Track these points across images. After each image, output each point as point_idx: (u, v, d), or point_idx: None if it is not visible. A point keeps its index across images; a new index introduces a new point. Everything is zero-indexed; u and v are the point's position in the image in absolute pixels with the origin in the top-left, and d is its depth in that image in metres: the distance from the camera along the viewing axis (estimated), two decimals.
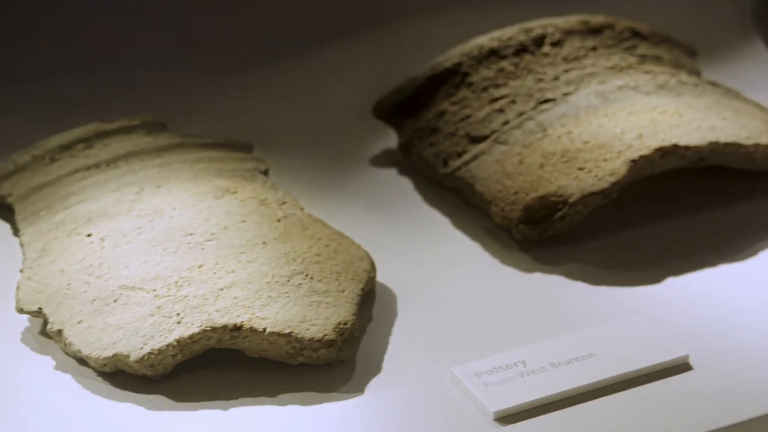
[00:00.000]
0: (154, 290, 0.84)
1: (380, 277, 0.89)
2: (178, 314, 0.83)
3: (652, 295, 0.89)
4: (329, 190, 0.97)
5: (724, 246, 0.92)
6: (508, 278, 0.91)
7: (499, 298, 0.89)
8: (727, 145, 0.93)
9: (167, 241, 0.87)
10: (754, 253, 0.92)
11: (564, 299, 0.89)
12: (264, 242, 0.88)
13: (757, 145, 0.94)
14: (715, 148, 0.93)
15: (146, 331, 0.82)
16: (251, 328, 0.82)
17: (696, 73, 1.03)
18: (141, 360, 0.81)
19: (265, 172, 0.94)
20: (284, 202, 0.91)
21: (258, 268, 0.86)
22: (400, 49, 1.10)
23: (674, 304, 0.88)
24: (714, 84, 1.00)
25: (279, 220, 0.89)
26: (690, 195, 0.96)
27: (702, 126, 0.94)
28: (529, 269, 0.91)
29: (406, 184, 0.98)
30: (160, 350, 0.81)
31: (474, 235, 0.94)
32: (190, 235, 0.88)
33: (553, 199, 0.92)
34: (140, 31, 1.13)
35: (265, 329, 0.83)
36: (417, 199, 0.97)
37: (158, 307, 0.83)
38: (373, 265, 0.88)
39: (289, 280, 0.85)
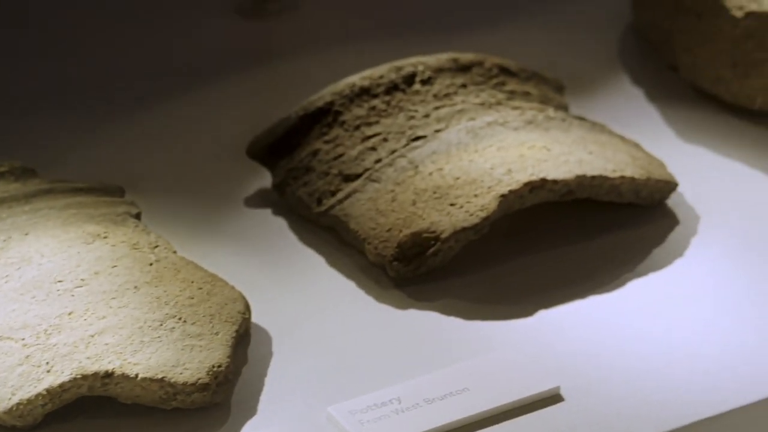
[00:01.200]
0: (23, 339, 0.79)
1: (255, 318, 0.85)
2: (47, 363, 0.77)
3: (524, 328, 0.86)
4: (203, 232, 0.93)
5: (593, 277, 0.89)
6: (383, 315, 0.87)
7: (374, 336, 0.85)
8: (593, 178, 0.90)
9: (36, 288, 0.82)
10: (622, 283, 0.89)
11: (438, 334, 0.86)
12: (136, 287, 0.83)
13: (622, 178, 0.91)
14: (582, 181, 0.90)
15: (14, 381, 0.77)
16: (123, 374, 0.78)
17: (564, 108, 1.00)
18: (9, 411, 0.76)
19: (137, 216, 0.89)
20: (156, 246, 0.86)
21: (130, 313, 0.81)
22: (276, 89, 1.06)
23: (546, 336, 0.85)
24: (581, 119, 0.98)
25: (151, 264, 0.85)
26: (559, 228, 0.93)
27: (569, 160, 0.91)
28: (403, 306, 0.88)
29: (280, 224, 0.94)
30: (29, 400, 0.76)
31: (349, 273, 0.90)
32: (60, 281, 0.82)
33: (425, 236, 0.89)
34: (5, 73, 1.08)
35: (137, 375, 0.78)
36: (292, 238, 0.93)
37: (27, 357, 0.78)
38: (247, 307, 0.84)
39: (161, 325, 0.81)
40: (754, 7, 1.00)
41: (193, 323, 0.82)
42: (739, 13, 1.00)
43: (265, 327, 0.86)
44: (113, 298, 0.82)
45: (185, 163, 0.99)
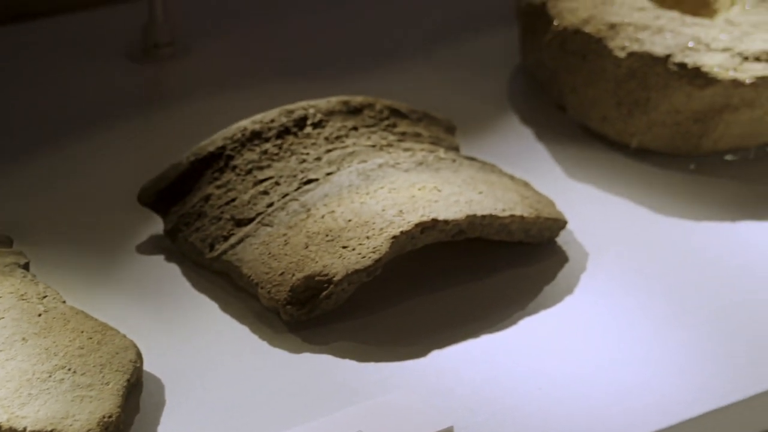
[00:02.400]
0: None
1: (147, 367, 0.80)
2: None
3: (417, 369, 0.82)
4: (94, 281, 0.88)
5: (485, 316, 0.86)
6: (277, 360, 0.83)
7: (268, 381, 0.81)
8: (483, 217, 0.87)
9: None
10: (514, 321, 0.86)
11: (333, 377, 0.82)
12: (24, 338, 0.78)
13: (512, 217, 0.88)
14: (472, 221, 0.87)
15: None
16: (11, 428, 0.73)
17: (455, 148, 0.97)
18: None
19: (26, 266, 0.84)
20: (45, 296, 0.81)
21: (17, 365, 0.76)
22: (168, 134, 1.01)
23: (439, 376, 0.81)
24: (472, 158, 0.95)
25: (39, 315, 0.80)
26: (451, 268, 0.90)
27: (460, 200, 0.88)
28: (297, 350, 0.84)
29: (173, 270, 0.89)
30: None
31: (242, 319, 0.86)
32: None
33: (318, 279, 0.85)
34: None
35: (25, 428, 0.73)
36: (185, 284, 0.88)
37: None
38: (139, 355, 0.80)
39: (50, 376, 0.76)
40: (635, 47, 0.98)
41: (82, 374, 0.77)
42: (621, 54, 0.98)
43: (158, 375, 0.81)
44: (0, 351, 0.77)
45: (76, 211, 0.94)
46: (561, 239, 0.92)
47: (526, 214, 0.90)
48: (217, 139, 0.91)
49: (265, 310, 0.86)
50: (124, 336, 0.80)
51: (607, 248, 0.92)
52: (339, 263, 0.85)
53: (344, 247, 0.86)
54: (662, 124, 0.98)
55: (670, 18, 1.01)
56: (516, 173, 0.96)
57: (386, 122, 0.95)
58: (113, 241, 0.91)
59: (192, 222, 0.89)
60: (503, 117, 1.05)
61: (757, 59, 0.98)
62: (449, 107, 1.04)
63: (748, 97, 0.97)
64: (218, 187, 0.90)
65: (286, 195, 0.89)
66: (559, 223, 0.92)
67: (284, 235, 0.87)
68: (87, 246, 0.91)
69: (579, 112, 1.02)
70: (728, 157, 0.99)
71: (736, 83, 0.96)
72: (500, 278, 0.90)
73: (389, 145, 0.93)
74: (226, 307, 0.87)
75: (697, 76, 0.97)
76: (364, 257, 0.85)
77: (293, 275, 0.85)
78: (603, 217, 0.95)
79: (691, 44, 0.98)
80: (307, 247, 0.86)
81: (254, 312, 0.86)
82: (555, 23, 1.02)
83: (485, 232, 0.89)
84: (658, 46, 0.98)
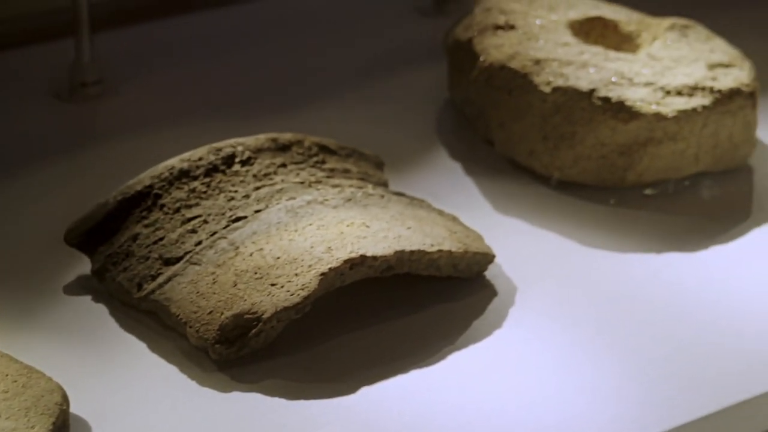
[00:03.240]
0: None
1: (75, 409, 0.77)
2: None
3: (347, 406, 0.80)
4: (20, 323, 0.84)
5: (415, 351, 0.84)
6: (206, 399, 0.80)
7: (197, 421, 0.78)
8: (412, 253, 0.85)
9: None
10: (443, 356, 0.84)
11: (263, 416, 0.79)
12: None
13: (440, 252, 0.86)
14: (401, 256, 0.85)
15: None
16: None
17: (384, 184, 0.95)
18: None
19: None
20: None
21: None
22: (95, 173, 0.98)
23: (369, 413, 0.79)
24: (400, 194, 0.93)
25: None
26: (380, 303, 0.88)
27: (388, 236, 0.86)
28: (227, 389, 0.81)
29: (101, 311, 0.86)
30: None
31: (171, 358, 0.83)
32: None
33: (247, 317, 0.82)
34: None
35: None
36: (113, 325, 0.85)
37: None
38: (65, 398, 0.76)
39: None
40: (560, 82, 0.97)
41: (7, 418, 0.74)
42: (546, 89, 0.97)
43: (85, 417, 0.78)
44: None
45: (1, 252, 0.91)
46: (489, 273, 0.90)
47: (454, 249, 0.88)
48: (144, 178, 0.89)
49: (194, 350, 0.83)
50: (50, 378, 0.77)
51: (535, 281, 0.90)
52: (268, 301, 0.83)
53: (273, 285, 0.83)
54: (588, 158, 0.97)
55: (594, 53, 1.00)
56: (445, 208, 0.94)
57: (315, 159, 0.93)
58: (40, 282, 0.87)
59: (120, 262, 0.87)
60: (432, 152, 1.04)
61: (679, 93, 0.97)
62: (378, 143, 1.02)
63: (670, 131, 0.96)
64: (146, 226, 0.87)
65: (215, 233, 0.87)
66: (488, 258, 0.90)
67: (213, 273, 0.85)
68: (13, 287, 0.87)
69: (506, 147, 1.00)
70: (648, 191, 0.99)
71: (659, 117, 0.96)
72: (429, 313, 0.88)
73: (318, 181, 0.91)
74: (154, 347, 0.84)
75: (621, 110, 0.96)
76: (292, 294, 0.83)
77: (222, 314, 0.82)
78: (531, 251, 0.93)
79: (614, 79, 0.97)
80: (235, 285, 0.84)
81: (183, 351, 0.83)
82: (481, 59, 1.01)
83: (414, 267, 0.87)
84: (582, 80, 0.97)
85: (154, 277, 0.86)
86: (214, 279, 0.84)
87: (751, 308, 0.87)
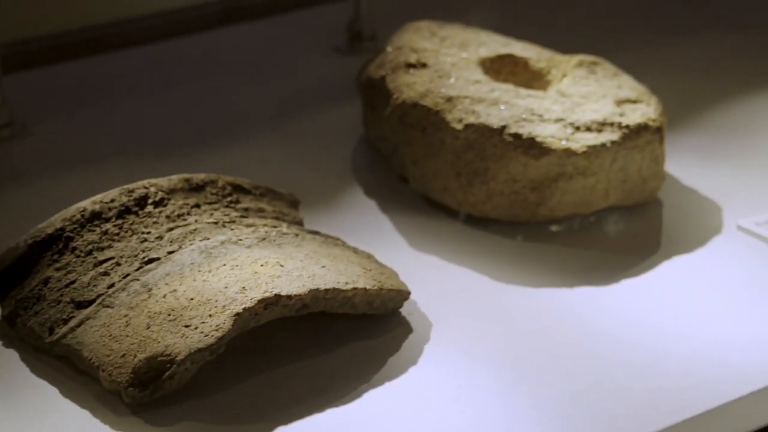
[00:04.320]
0: None
1: None
2: None
3: None
4: None
5: (330, 390, 0.81)
6: None
7: None
8: (326, 291, 0.83)
9: None
10: (359, 394, 0.81)
11: None
12: None
13: (355, 290, 0.84)
14: (315, 295, 0.83)
15: None
16: None
17: (299, 222, 0.93)
18: None
19: None
20: None
21: None
22: (6, 217, 0.95)
23: None
24: (315, 233, 0.91)
25: None
26: (296, 343, 0.85)
27: (302, 275, 0.84)
28: None
29: (12, 356, 0.83)
30: None
31: (84, 403, 0.80)
32: None
33: (160, 359, 0.79)
34: None
35: None
36: (24, 370, 0.82)
37: None
38: None
39: None
40: (472, 119, 0.96)
41: None
42: (458, 126, 0.96)
43: None
44: None
45: None
46: (405, 310, 0.88)
47: (369, 287, 0.86)
48: (55, 221, 0.86)
49: (107, 393, 0.80)
50: None
51: (450, 317, 0.88)
52: (181, 343, 0.80)
53: (187, 326, 0.81)
54: (501, 194, 0.96)
55: (505, 90, 0.99)
56: (360, 246, 0.92)
57: (229, 199, 0.91)
58: None
59: (31, 306, 0.83)
60: (347, 190, 1.02)
61: (588, 129, 0.96)
62: (293, 182, 1.00)
63: (581, 166, 0.95)
64: (57, 269, 0.84)
65: (127, 275, 0.84)
66: (403, 294, 0.88)
67: (125, 316, 0.82)
68: None
69: (421, 184, 0.99)
70: (554, 228, 0.97)
71: (569, 152, 0.94)
72: (345, 351, 0.85)
73: (232, 221, 0.89)
74: (66, 392, 0.81)
75: (531, 147, 0.95)
76: (206, 335, 0.80)
77: (135, 356, 0.80)
78: (446, 287, 0.91)
79: (525, 115, 0.96)
80: (148, 327, 0.81)
81: (96, 395, 0.80)
82: (394, 97, 0.99)
83: (329, 305, 0.84)
84: (493, 117, 0.96)
85: (65, 321, 0.83)
86: (126, 322, 0.82)
87: (662, 343, 0.86)
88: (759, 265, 0.93)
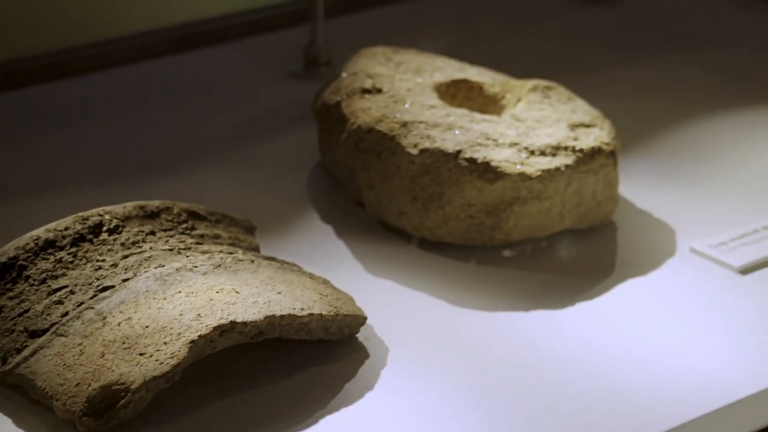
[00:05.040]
0: None
1: None
2: None
3: None
4: None
5: (287, 416, 0.80)
6: None
7: None
8: (282, 317, 0.82)
9: None
10: (315, 421, 0.80)
11: None
12: None
13: (311, 315, 0.83)
14: (271, 321, 0.82)
15: None
16: None
17: (255, 249, 0.92)
18: None
19: None
20: None
21: None
22: None
23: None
24: (271, 259, 0.90)
25: None
26: (252, 369, 0.84)
27: (258, 301, 0.83)
28: None
29: None
30: None
31: None
32: None
33: (115, 388, 0.78)
34: None
35: None
36: None
37: None
38: None
39: None
40: (427, 144, 0.95)
41: None
42: (414, 151, 0.95)
43: None
44: None
45: None
46: (361, 335, 0.87)
47: (325, 312, 0.85)
48: (8, 250, 0.84)
49: (61, 423, 0.79)
50: None
51: (406, 342, 0.87)
52: (136, 371, 0.79)
53: (141, 354, 0.80)
54: (457, 218, 0.95)
55: (460, 115, 0.98)
56: (316, 271, 0.91)
57: (184, 225, 0.90)
58: None
59: None
60: (303, 215, 1.01)
61: (542, 153, 0.96)
62: (250, 207, 0.99)
63: (535, 190, 0.94)
64: (11, 298, 0.83)
65: (82, 303, 0.82)
66: (359, 320, 0.87)
67: (80, 344, 0.80)
68: None
69: (377, 209, 0.98)
70: (506, 253, 0.97)
71: (523, 176, 0.94)
72: (301, 377, 0.84)
73: (187, 248, 0.88)
74: (20, 422, 0.79)
75: (486, 171, 0.94)
76: (161, 363, 0.79)
77: (89, 385, 0.78)
78: (402, 311, 0.90)
79: (480, 140, 0.96)
80: (103, 355, 0.80)
81: (50, 425, 0.79)
82: (350, 122, 0.99)
83: (285, 332, 0.83)
84: (448, 142, 0.95)
85: (19, 350, 0.81)
86: (81, 350, 0.80)
87: (616, 365, 0.86)
88: (712, 287, 0.93)
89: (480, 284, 0.93)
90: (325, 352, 0.86)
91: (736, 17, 1.32)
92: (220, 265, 0.86)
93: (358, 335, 0.88)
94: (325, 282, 0.90)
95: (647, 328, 0.89)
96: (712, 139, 1.11)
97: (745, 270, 0.95)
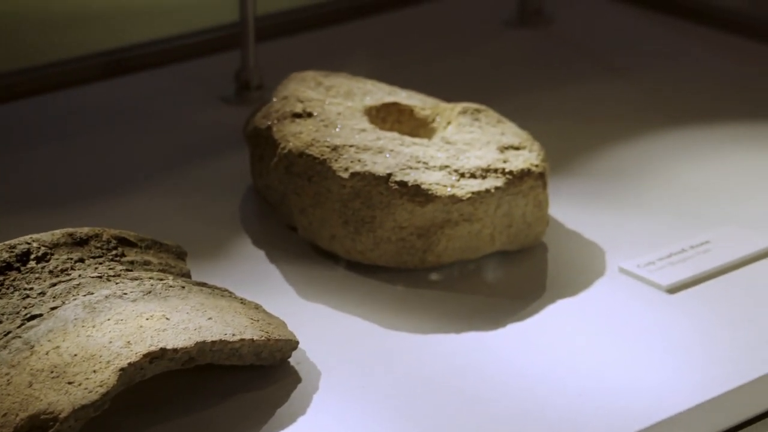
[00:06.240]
0: None
1: None
2: None
3: None
4: None
5: None
6: None
7: None
8: (213, 343, 0.81)
9: None
10: None
11: None
12: None
13: (242, 341, 0.82)
14: (202, 347, 0.81)
15: None
16: None
17: (186, 275, 0.91)
18: None
19: None
20: None
21: None
22: None
23: None
24: (202, 284, 0.88)
25: None
26: (183, 396, 0.83)
27: (189, 327, 0.82)
28: None
29: None
30: None
31: None
32: None
33: (43, 417, 0.76)
34: None
35: None
36: None
37: None
38: None
39: None
40: (358, 168, 0.94)
41: None
42: (345, 174, 0.94)
43: None
44: None
45: None
46: (293, 359, 0.86)
47: (256, 338, 0.84)
48: None
49: None
50: None
51: (339, 366, 0.87)
52: (65, 400, 0.77)
53: (70, 383, 0.78)
54: (388, 241, 0.95)
55: (390, 138, 0.98)
56: (248, 296, 0.90)
57: (114, 252, 0.88)
58: None
59: None
60: (235, 240, 1.00)
61: (473, 175, 0.95)
62: (180, 233, 0.97)
63: (466, 212, 0.94)
64: None
65: (9, 333, 0.81)
66: (291, 344, 0.86)
67: (7, 374, 0.79)
68: None
69: (309, 232, 0.97)
70: (433, 277, 0.97)
71: (454, 199, 0.94)
72: (233, 403, 0.83)
73: (117, 275, 0.86)
74: None
75: (417, 194, 0.94)
76: (90, 392, 0.78)
77: (17, 415, 0.76)
78: (334, 335, 0.90)
79: (410, 163, 0.95)
80: (31, 385, 0.78)
81: None
82: (281, 147, 0.98)
83: (216, 357, 0.82)
84: (379, 165, 0.95)
85: None
86: (8, 380, 0.79)
87: (547, 386, 0.85)
88: (640, 306, 0.93)
89: (411, 307, 0.93)
90: (257, 377, 0.85)
91: (663, 40, 1.33)
92: (150, 292, 0.85)
93: (290, 360, 0.87)
94: (257, 307, 0.89)
95: (577, 349, 0.89)
96: (640, 160, 1.11)
97: (673, 289, 0.95)
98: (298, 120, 1.00)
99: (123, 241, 0.90)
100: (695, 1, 1.37)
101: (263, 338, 0.85)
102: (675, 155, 1.12)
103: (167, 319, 0.83)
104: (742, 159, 1.12)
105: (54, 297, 0.83)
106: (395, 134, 0.99)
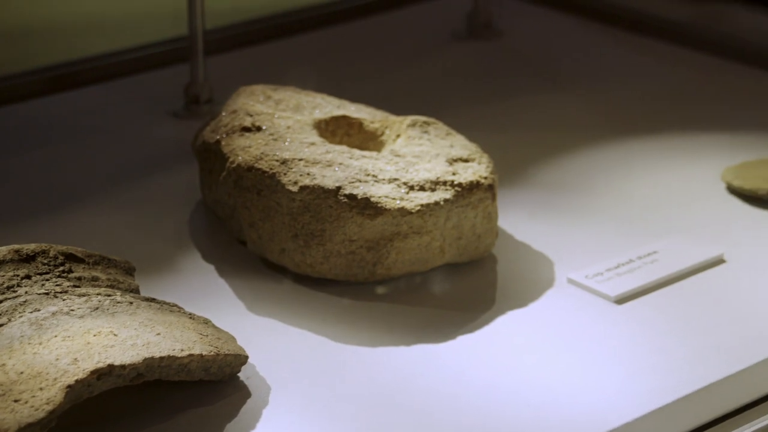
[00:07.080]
0: None
1: None
2: None
3: None
4: None
5: None
6: None
7: None
8: (162, 359, 0.80)
9: None
10: None
11: None
12: None
13: (191, 356, 0.81)
14: (150, 363, 0.80)
15: None
16: None
17: (134, 290, 0.89)
18: None
19: None
20: None
21: None
22: None
23: None
24: (151, 300, 0.88)
25: None
26: (132, 412, 0.82)
27: (137, 343, 0.81)
28: None
29: None
30: None
31: None
32: None
33: None
34: None
35: None
36: None
37: None
38: None
39: None
40: (307, 181, 0.94)
41: None
42: (294, 188, 0.94)
43: None
44: None
45: None
46: (243, 374, 0.86)
47: (205, 353, 0.83)
48: None
49: None
50: None
51: (289, 380, 0.86)
52: (10, 418, 0.76)
53: (16, 401, 0.77)
54: (338, 254, 0.94)
55: (340, 152, 0.97)
56: (197, 311, 0.90)
57: (61, 268, 0.87)
58: None
59: None
60: (184, 255, 0.99)
61: (422, 188, 0.95)
62: (129, 248, 0.97)
63: (415, 224, 0.94)
64: None
65: None
66: (240, 359, 0.86)
67: None
68: None
69: (258, 246, 0.97)
70: (379, 290, 0.96)
71: (403, 212, 0.93)
72: (182, 419, 0.82)
73: (64, 291, 0.85)
74: None
75: (366, 207, 0.93)
76: (37, 410, 0.76)
77: None
78: (284, 349, 0.89)
79: (359, 176, 0.95)
80: None
81: None
82: (229, 161, 0.97)
83: (164, 373, 0.81)
84: (328, 179, 0.94)
85: None
86: None
87: (497, 397, 0.85)
88: (589, 317, 0.93)
89: (361, 320, 0.92)
90: (206, 392, 0.85)
91: (611, 52, 1.33)
92: (97, 308, 0.84)
93: (239, 374, 0.86)
94: (206, 321, 0.88)
95: (527, 360, 0.89)
96: (587, 171, 1.12)
97: (621, 299, 0.95)
98: (247, 134, 1.00)
99: (70, 257, 0.89)
100: (642, 14, 1.38)
101: (212, 353, 0.84)
102: (622, 166, 1.13)
103: (115, 335, 0.82)
104: (687, 169, 1.12)
105: (0, 314, 0.82)
106: (344, 148, 0.99)
